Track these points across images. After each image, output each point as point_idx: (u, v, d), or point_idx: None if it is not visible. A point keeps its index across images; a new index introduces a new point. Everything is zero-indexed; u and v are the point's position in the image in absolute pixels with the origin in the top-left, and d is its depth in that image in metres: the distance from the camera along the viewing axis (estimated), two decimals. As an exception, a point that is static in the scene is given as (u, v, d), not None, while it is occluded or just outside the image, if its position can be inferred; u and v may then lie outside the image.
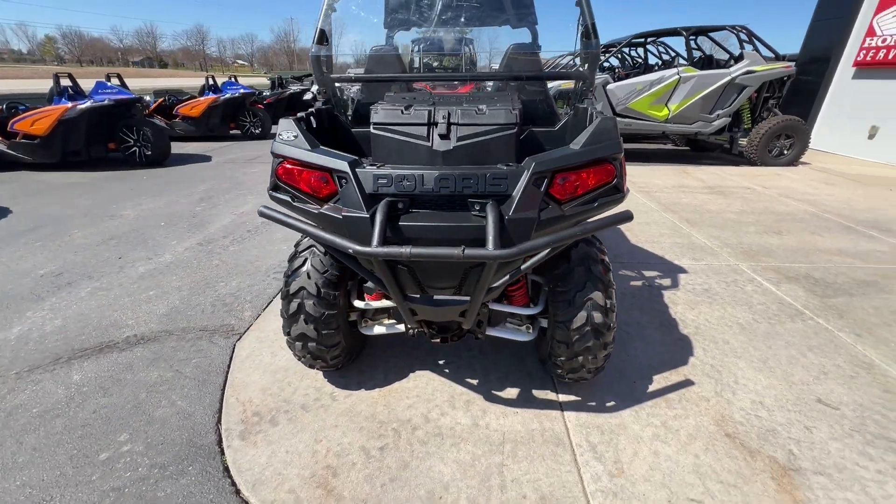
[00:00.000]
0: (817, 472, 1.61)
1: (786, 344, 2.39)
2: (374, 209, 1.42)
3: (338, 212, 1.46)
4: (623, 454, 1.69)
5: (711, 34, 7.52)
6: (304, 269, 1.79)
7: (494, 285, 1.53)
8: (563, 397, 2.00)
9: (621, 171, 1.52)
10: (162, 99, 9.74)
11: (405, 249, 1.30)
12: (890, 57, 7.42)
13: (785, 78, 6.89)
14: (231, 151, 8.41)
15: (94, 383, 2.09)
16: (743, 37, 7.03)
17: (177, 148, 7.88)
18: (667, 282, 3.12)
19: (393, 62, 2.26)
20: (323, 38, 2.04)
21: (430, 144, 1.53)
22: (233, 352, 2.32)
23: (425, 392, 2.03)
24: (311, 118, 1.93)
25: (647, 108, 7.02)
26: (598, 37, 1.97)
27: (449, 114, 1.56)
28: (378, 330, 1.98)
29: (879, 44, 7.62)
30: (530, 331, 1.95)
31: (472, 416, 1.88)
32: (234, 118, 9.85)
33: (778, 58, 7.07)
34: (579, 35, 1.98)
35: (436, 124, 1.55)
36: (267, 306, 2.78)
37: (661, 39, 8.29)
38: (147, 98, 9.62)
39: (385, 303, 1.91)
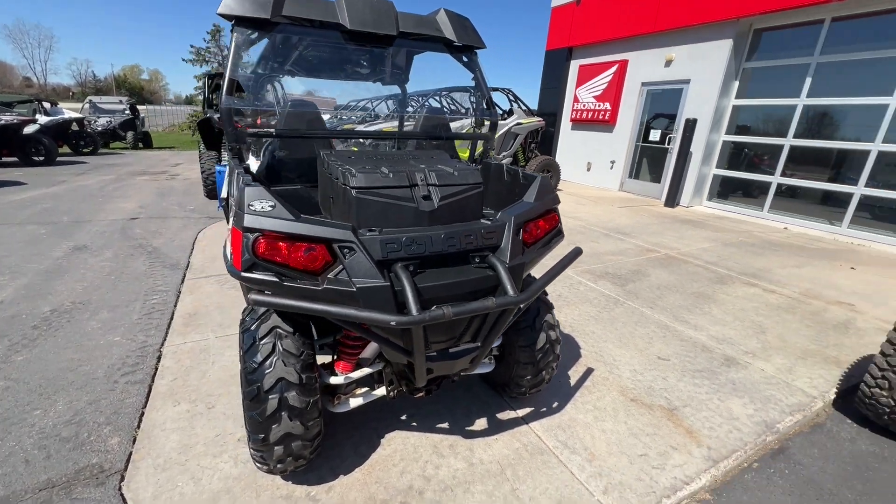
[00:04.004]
0: (685, 405, 2.38)
1: (623, 324, 3.34)
2: (392, 276, 1.40)
3: (347, 284, 1.36)
4: (586, 441, 2.08)
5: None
6: (276, 356, 1.51)
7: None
8: (521, 412, 2.27)
9: (560, 217, 1.94)
10: None
11: (447, 310, 1.34)
12: (588, 117, 10.99)
13: (539, 128, 9.35)
14: None
15: None
16: (510, 97, 9.16)
17: None
18: (532, 294, 3.84)
19: (313, 118, 2.14)
20: (234, 88, 1.80)
21: (415, 205, 1.59)
22: (124, 500, 1.65)
23: (408, 452, 1.96)
24: None
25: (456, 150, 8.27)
26: (495, 107, 2.41)
27: (425, 175, 1.66)
28: (354, 403, 1.81)
29: (581, 107, 11.20)
30: (491, 361, 2.16)
31: (464, 458, 1.94)
32: None
33: (532, 113, 9.50)
34: (482, 105, 2.37)
35: (416, 185, 1.63)
36: (140, 423, 2.06)
37: (451, 95, 9.91)
38: None
39: (365, 371, 1.77)
